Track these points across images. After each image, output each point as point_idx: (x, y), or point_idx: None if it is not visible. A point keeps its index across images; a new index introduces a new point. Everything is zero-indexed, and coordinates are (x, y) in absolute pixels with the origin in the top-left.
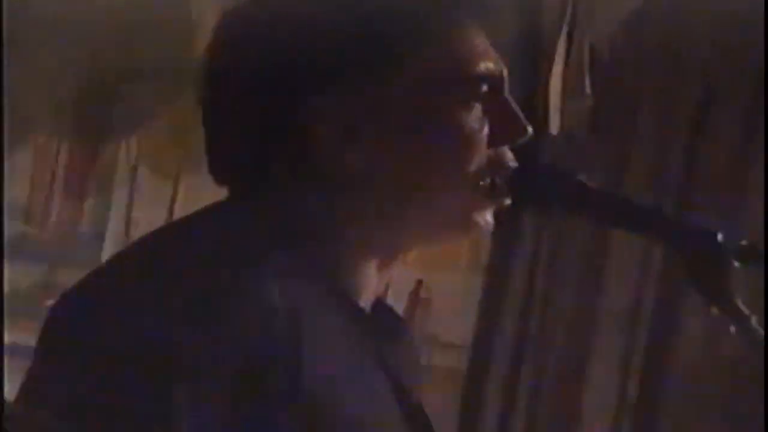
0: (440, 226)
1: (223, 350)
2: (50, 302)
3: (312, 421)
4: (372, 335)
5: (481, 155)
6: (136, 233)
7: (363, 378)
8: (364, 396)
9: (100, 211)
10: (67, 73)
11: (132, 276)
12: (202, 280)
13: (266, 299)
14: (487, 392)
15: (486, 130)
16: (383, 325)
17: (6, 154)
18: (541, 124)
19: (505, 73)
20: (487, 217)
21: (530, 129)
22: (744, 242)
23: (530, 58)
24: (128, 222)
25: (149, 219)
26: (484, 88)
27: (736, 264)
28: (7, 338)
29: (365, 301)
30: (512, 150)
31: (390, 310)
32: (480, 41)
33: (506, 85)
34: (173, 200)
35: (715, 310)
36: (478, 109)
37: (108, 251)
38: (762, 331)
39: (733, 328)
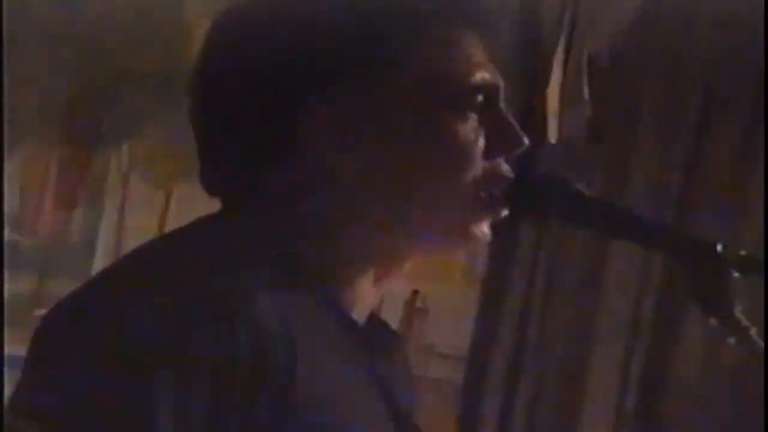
0: (437, 237)
1: (215, 365)
2: (40, 312)
3: None
4: (365, 349)
5: (476, 166)
6: (128, 242)
7: (355, 392)
8: (356, 411)
9: (91, 220)
10: (57, 81)
11: (124, 289)
12: (194, 295)
13: (259, 314)
14: (484, 403)
15: (481, 141)
16: (376, 338)
17: None
18: (540, 132)
19: (502, 84)
20: (484, 228)
21: (526, 141)
22: (743, 252)
23: (528, 65)
24: (120, 231)
25: (141, 228)
26: (480, 98)
27: (736, 275)
28: None
29: (359, 314)
30: (510, 158)
31: (383, 323)
32: (476, 51)
33: (502, 97)
34: (165, 209)
35: (714, 321)
36: (473, 119)
37: (99, 260)
38: (762, 343)
39: (732, 340)
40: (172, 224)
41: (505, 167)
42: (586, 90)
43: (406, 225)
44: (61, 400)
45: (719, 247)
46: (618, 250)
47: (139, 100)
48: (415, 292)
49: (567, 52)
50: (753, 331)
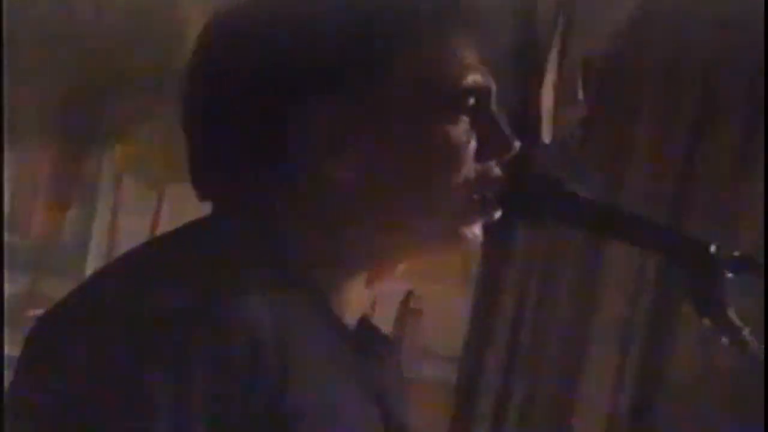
0: (429, 239)
1: (209, 368)
2: (34, 312)
3: None
4: (356, 354)
5: (467, 168)
6: (120, 243)
7: (346, 399)
8: (348, 417)
9: (84, 221)
10: (50, 82)
11: (115, 294)
12: (186, 299)
13: (252, 320)
14: (478, 405)
15: (473, 143)
16: (368, 343)
17: None
18: (534, 132)
19: (494, 87)
20: (476, 230)
21: (516, 145)
22: (737, 253)
23: (523, 66)
24: (112, 231)
25: (133, 228)
26: (471, 101)
27: (729, 275)
28: None
29: (351, 318)
30: (501, 161)
31: (375, 328)
32: (469, 53)
33: (494, 100)
34: (158, 210)
35: (707, 322)
36: (465, 122)
37: (91, 261)
38: (755, 343)
39: (725, 340)
40: (164, 225)
41: (497, 170)
42: (580, 91)
43: (399, 227)
44: (54, 401)
45: (713, 248)
46: (612, 251)
47: (133, 100)
48: (410, 293)
49: (561, 52)
50: (746, 332)
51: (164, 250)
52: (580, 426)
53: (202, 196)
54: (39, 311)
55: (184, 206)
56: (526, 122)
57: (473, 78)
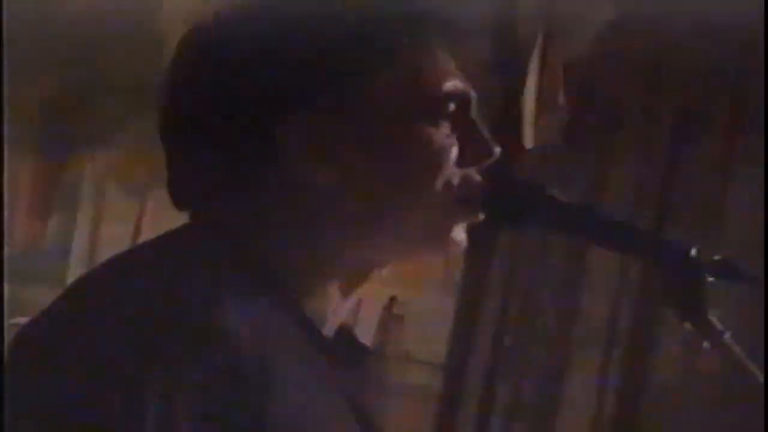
0: (410, 244)
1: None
2: (14, 320)
3: None
4: (334, 363)
5: (449, 173)
6: (102, 250)
7: (325, 408)
8: (325, 427)
9: (66, 228)
10: (30, 90)
11: (95, 304)
12: (168, 308)
13: (231, 330)
14: (461, 410)
15: (455, 149)
16: (346, 353)
17: None
18: (516, 138)
19: (473, 93)
20: (460, 235)
21: (496, 152)
22: (717, 257)
23: (504, 71)
24: (94, 239)
25: (115, 236)
26: (452, 107)
27: (710, 279)
28: None
29: (330, 328)
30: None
31: (354, 337)
32: (449, 60)
33: (474, 106)
34: (140, 217)
35: (688, 326)
36: (445, 127)
37: (73, 268)
38: (736, 347)
39: (706, 344)
40: (146, 232)
41: (476, 176)
42: (562, 96)
43: (380, 233)
44: (33, 410)
45: (693, 251)
46: (595, 255)
47: (114, 107)
48: (392, 298)
49: (543, 58)
50: (727, 336)
51: (145, 259)
52: (565, 430)
53: (180, 205)
54: (23, 319)
55: (167, 214)
56: (508, 127)
57: (453, 83)
